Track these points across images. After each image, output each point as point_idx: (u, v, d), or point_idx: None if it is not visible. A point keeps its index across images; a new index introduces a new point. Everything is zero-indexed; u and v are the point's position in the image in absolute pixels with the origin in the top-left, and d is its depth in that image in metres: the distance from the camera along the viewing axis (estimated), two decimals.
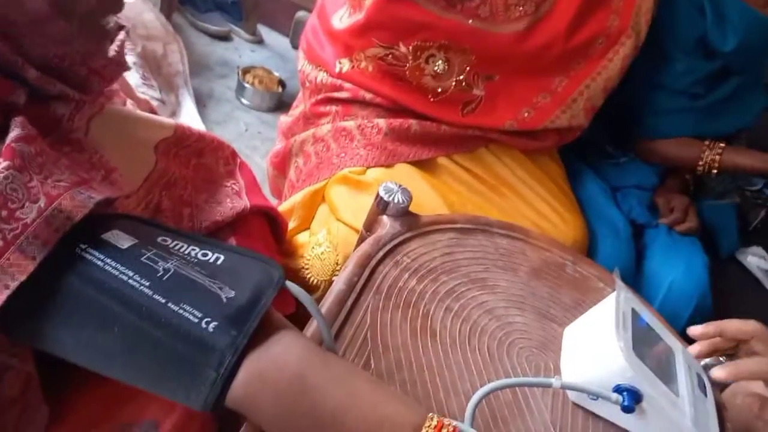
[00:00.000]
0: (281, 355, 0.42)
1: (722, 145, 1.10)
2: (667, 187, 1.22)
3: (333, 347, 0.48)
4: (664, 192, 1.20)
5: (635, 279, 1.07)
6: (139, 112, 0.73)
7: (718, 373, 0.61)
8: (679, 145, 1.13)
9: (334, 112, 0.96)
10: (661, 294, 1.05)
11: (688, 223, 1.15)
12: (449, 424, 0.42)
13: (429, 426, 0.42)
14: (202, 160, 0.79)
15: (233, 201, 0.74)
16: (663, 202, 1.18)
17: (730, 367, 0.61)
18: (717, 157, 1.09)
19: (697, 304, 1.06)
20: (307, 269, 0.88)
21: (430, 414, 0.43)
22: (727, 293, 1.23)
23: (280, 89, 1.94)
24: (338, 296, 0.59)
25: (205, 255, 0.45)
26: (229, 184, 0.79)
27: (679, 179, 1.22)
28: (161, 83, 1.66)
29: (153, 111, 0.90)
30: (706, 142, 1.10)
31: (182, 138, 0.72)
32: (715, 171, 1.10)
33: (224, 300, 0.42)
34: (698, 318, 1.07)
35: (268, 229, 0.83)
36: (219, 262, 0.45)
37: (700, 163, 1.10)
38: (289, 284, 0.46)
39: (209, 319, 0.41)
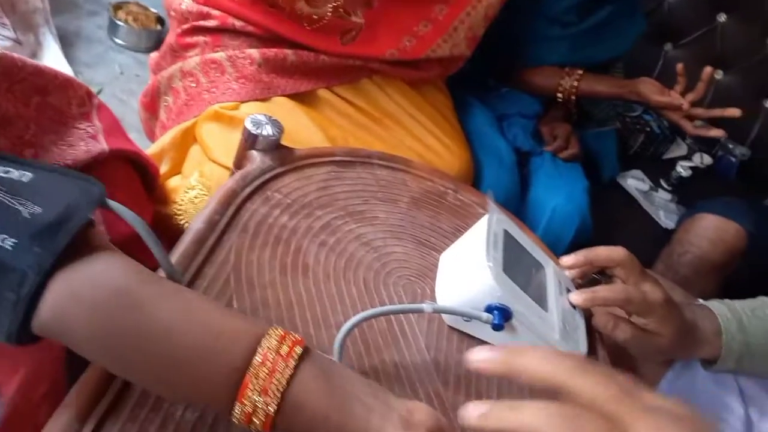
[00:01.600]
0: (100, 273, 0.38)
1: (580, 72, 1.14)
2: (551, 116, 1.24)
3: (174, 273, 0.44)
4: (548, 121, 1.23)
5: (520, 206, 1.10)
6: None
7: (575, 298, 0.63)
8: (543, 75, 1.16)
9: (203, 43, 0.88)
10: (545, 219, 1.08)
11: (571, 149, 1.18)
12: (295, 335, 0.40)
13: (271, 335, 0.39)
14: (48, 98, 0.70)
15: (88, 144, 0.67)
16: (547, 131, 1.21)
17: (586, 294, 0.63)
18: (575, 83, 1.13)
19: (579, 227, 1.10)
20: (180, 215, 0.82)
21: (275, 325, 0.40)
22: (608, 215, 1.30)
23: (158, 27, 1.78)
24: (196, 235, 0.55)
25: (6, 172, 0.40)
26: (83, 127, 0.71)
27: (562, 108, 1.25)
28: (16, 21, 1.48)
29: None
30: (566, 70, 1.13)
31: (10, 70, 0.63)
32: (574, 97, 1.14)
33: (27, 216, 0.37)
34: (580, 239, 1.12)
35: (135, 176, 0.76)
36: (25, 179, 0.40)
37: (560, 89, 1.14)
38: (111, 203, 0.42)
39: (5, 236, 0.36)
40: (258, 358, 0.38)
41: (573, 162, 1.20)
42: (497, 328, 0.56)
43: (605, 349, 0.68)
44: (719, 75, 1.58)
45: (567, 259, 0.66)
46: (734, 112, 1.06)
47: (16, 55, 0.66)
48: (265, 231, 0.60)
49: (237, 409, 0.38)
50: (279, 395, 0.37)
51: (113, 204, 0.42)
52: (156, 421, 0.42)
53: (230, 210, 0.60)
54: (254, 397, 0.37)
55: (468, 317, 0.58)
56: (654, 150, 1.55)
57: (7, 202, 0.37)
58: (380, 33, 0.91)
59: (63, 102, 0.72)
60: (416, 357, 0.56)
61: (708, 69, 1.07)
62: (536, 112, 1.21)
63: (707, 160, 1.56)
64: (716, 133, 1.07)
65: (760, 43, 1.52)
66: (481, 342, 0.61)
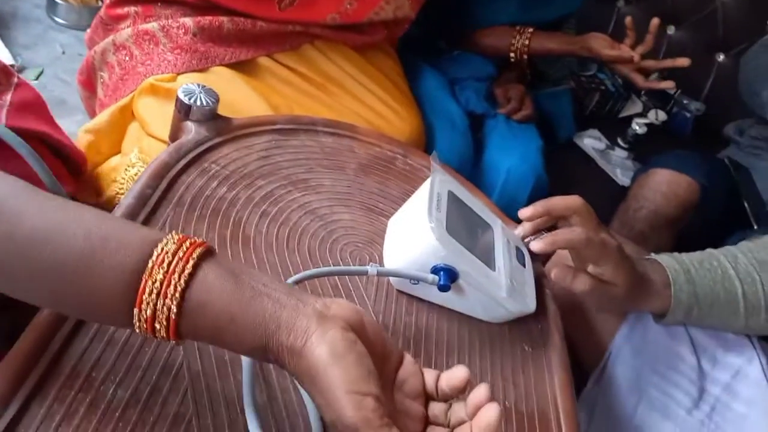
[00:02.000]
0: None
1: (531, 30, 1.14)
2: (505, 78, 1.23)
3: (61, 192, 0.42)
4: (502, 82, 1.22)
5: (475, 169, 1.10)
6: None
7: (536, 245, 0.63)
8: (494, 35, 1.15)
9: (134, 14, 0.84)
10: (500, 181, 1.08)
11: (524, 110, 1.18)
12: (197, 239, 0.37)
13: (169, 240, 0.36)
14: None
15: None
16: (501, 93, 1.20)
17: (546, 238, 0.63)
18: (527, 42, 1.13)
19: (534, 187, 1.10)
20: (122, 194, 0.79)
21: (174, 231, 0.38)
22: (565, 176, 1.30)
23: (99, 3, 1.71)
24: (126, 210, 0.53)
25: None
26: None
27: (516, 69, 1.25)
28: None
29: None
30: (517, 29, 1.13)
31: None
32: (526, 56, 1.14)
33: None
34: (536, 198, 1.12)
35: (48, 155, 0.72)
36: None
37: (512, 48, 1.13)
38: None
39: None
40: (153, 260, 0.35)
41: (527, 123, 1.20)
42: (443, 288, 0.56)
43: (555, 303, 0.68)
44: (671, 30, 1.59)
45: (525, 211, 0.66)
46: (683, 61, 1.07)
47: None
48: (201, 203, 0.59)
49: (136, 316, 0.35)
50: (179, 296, 0.35)
51: None
52: (85, 401, 0.40)
53: (163, 183, 0.58)
54: (152, 299, 0.35)
55: (414, 279, 0.57)
56: (609, 108, 1.56)
57: None
58: None
59: None
60: (357, 305, 0.56)
61: (655, 20, 1.08)
62: (489, 75, 1.20)
63: (662, 116, 1.57)
64: (666, 84, 1.09)
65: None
66: (431, 304, 0.61)
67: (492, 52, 1.19)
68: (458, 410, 0.40)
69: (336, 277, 0.58)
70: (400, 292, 0.61)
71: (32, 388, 0.39)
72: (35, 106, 0.70)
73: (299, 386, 0.47)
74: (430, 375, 0.41)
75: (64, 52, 1.58)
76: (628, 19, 1.09)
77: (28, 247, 0.35)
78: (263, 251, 0.57)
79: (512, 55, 1.15)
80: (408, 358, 0.41)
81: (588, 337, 0.78)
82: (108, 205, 0.80)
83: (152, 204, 0.55)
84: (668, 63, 1.08)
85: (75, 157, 0.74)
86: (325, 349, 0.34)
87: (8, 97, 0.67)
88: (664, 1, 1.56)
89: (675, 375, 0.74)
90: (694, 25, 1.57)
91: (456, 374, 0.39)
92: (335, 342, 0.35)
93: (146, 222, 0.53)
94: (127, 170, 0.79)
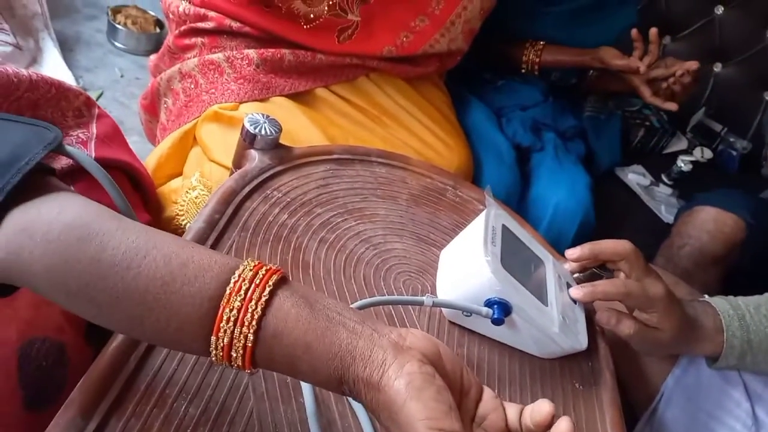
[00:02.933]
0: (55, 208, 0.36)
1: (542, 43, 1.17)
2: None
3: (132, 215, 0.44)
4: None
5: (522, 203, 1.10)
6: None
7: (575, 292, 0.63)
8: (509, 46, 1.18)
9: (200, 45, 0.89)
10: (548, 215, 1.08)
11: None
12: (272, 266, 0.38)
13: (246, 266, 0.37)
14: (39, 112, 0.70)
15: None
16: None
17: (586, 288, 0.63)
18: (539, 53, 1.17)
19: (582, 221, 1.11)
20: (182, 215, 0.83)
21: (250, 258, 0.38)
22: (610, 210, 1.30)
23: (157, 30, 1.79)
24: (196, 234, 0.55)
25: None
26: (75, 134, 0.71)
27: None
28: (15, 26, 1.49)
29: None
30: (529, 41, 1.17)
31: (6, 89, 0.63)
32: (537, 68, 1.18)
33: None
34: (583, 235, 1.12)
35: (126, 184, 0.76)
36: None
37: (524, 59, 1.17)
38: (69, 147, 0.41)
39: None
40: (231, 287, 0.35)
41: (574, 156, 1.20)
42: (497, 322, 0.57)
43: (605, 341, 0.68)
44: (718, 68, 1.58)
45: (572, 252, 0.66)
46: (692, 64, 1.09)
47: (11, 69, 0.65)
48: (264, 229, 0.61)
49: (213, 344, 0.35)
50: (255, 324, 0.35)
51: (71, 149, 0.41)
52: (160, 417, 0.42)
53: (230, 209, 0.60)
54: (230, 327, 0.35)
55: (468, 312, 0.58)
56: (654, 144, 1.55)
57: None
58: (377, 30, 0.91)
59: (56, 114, 0.72)
60: (433, 337, 0.57)
61: (653, 30, 1.11)
62: (535, 102, 1.21)
63: (708, 154, 1.55)
64: (670, 106, 1.11)
65: (759, 34, 1.52)
66: (482, 337, 0.61)
67: (507, 63, 1.23)
68: None
69: (391, 306, 0.60)
70: (452, 323, 0.62)
71: (111, 403, 0.42)
72: (115, 135, 0.74)
73: (357, 413, 0.48)
74: (512, 410, 0.38)
75: (122, 76, 1.66)
76: (634, 32, 1.12)
77: (111, 272, 0.35)
78: (322, 278, 0.59)
79: (523, 67, 1.19)
80: (488, 393, 0.39)
81: (639, 377, 0.77)
82: (168, 226, 0.84)
83: (220, 228, 0.58)
84: (677, 67, 1.10)
85: (147, 185, 0.77)
86: (403, 383, 0.33)
87: (93, 129, 0.70)
88: (712, 38, 1.55)
89: (730, 419, 0.72)
90: (742, 62, 1.56)
91: (540, 409, 0.37)
92: (413, 375, 0.33)
93: (215, 245, 0.56)
94: (188, 193, 0.82)
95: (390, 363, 0.34)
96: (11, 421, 0.48)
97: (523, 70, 1.19)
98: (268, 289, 0.36)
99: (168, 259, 0.36)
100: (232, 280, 0.36)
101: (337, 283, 0.60)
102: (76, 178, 0.64)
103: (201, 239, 0.55)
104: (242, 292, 0.35)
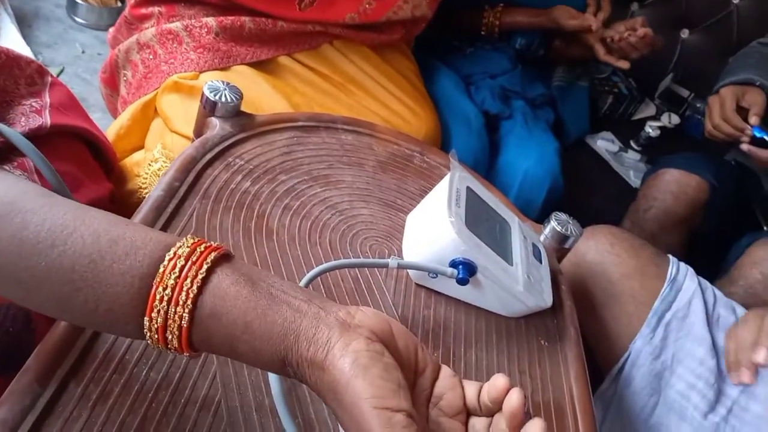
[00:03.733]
0: None
1: (500, 7, 1.19)
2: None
3: (66, 193, 0.42)
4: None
5: (491, 170, 1.11)
6: None
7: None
8: (470, 10, 1.19)
9: (157, 14, 0.86)
10: (517, 182, 1.09)
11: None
12: (212, 243, 0.35)
13: (183, 243, 0.34)
14: None
15: (29, 119, 0.65)
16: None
17: None
18: (498, 14, 1.19)
19: (550, 187, 1.11)
20: (144, 188, 0.81)
21: (190, 235, 0.36)
22: (579, 176, 1.31)
23: (118, 3, 1.74)
24: (156, 202, 0.54)
25: None
26: (27, 103, 0.69)
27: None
28: None
29: None
30: (486, 7, 1.18)
31: None
32: (497, 30, 1.19)
33: None
34: (552, 200, 1.13)
35: (86, 152, 0.74)
36: None
37: (484, 22, 1.19)
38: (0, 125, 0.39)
39: None
40: (165, 264, 0.33)
41: (543, 123, 1.21)
42: (462, 282, 0.57)
43: (570, 299, 0.69)
44: (685, 34, 1.59)
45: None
46: (643, 27, 1.10)
47: None
48: (227, 196, 0.60)
49: (146, 326, 0.33)
50: (191, 303, 0.33)
51: (1, 126, 0.39)
52: (120, 382, 0.42)
53: (190, 176, 0.59)
54: (163, 307, 0.33)
55: (433, 273, 0.58)
56: (623, 111, 1.57)
57: None
58: None
59: (8, 82, 0.70)
60: (385, 314, 0.57)
61: None
62: (504, 70, 1.21)
63: (675, 119, 1.58)
64: (622, 64, 1.12)
65: (724, 0, 1.53)
66: (449, 298, 0.62)
67: (468, 31, 1.23)
68: (499, 423, 0.35)
69: (356, 270, 0.60)
70: (418, 285, 0.62)
71: (69, 370, 0.41)
72: (70, 103, 0.72)
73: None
74: (471, 388, 0.36)
75: (83, 51, 1.61)
76: None
77: (33, 250, 0.33)
78: (286, 244, 0.59)
79: (483, 29, 1.20)
80: (446, 371, 0.37)
81: (605, 337, 0.78)
82: (130, 198, 0.82)
83: (180, 196, 0.57)
84: (630, 24, 1.12)
85: (109, 154, 0.76)
86: (348, 361, 0.31)
87: (47, 97, 0.68)
88: (679, 4, 1.56)
89: (692, 377, 0.74)
90: (708, 28, 1.57)
91: (495, 384, 0.35)
92: (359, 353, 0.32)
93: (174, 212, 0.55)
94: (151, 165, 0.81)
95: (335, 341, 0.32)
96: None
97: (483, 32, 1.20)
98: (205, 267, 0.33)
99: (96, 236, 0.33)
100: (167, 257, 0.34)
101: (302, 248, 0.59)
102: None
103: (160, 207, 0.54)
104: (177, 269, 0.33)
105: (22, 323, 0.50)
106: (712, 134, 1.09)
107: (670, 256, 0.80)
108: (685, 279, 0.74)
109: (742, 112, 1.08)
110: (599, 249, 0.78)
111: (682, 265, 0.78)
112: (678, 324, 0.72)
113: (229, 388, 0.45)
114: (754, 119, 1.04)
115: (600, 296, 0.76)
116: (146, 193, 0.82)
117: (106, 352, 0.43)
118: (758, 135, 1.04)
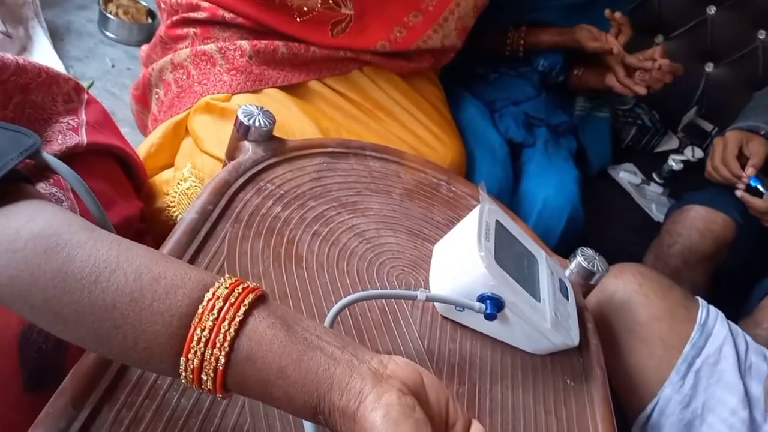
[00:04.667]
0: (23, 218, 0.35)
1: (524, 28, 1.19)
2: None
3: (108, 225, 0.42)
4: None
5: (513, 198, 1.10)
6: None
7: None
8: (494, 31, 1.20)
9: (192, 35, 0.88)
10: (536, 210, 1.09)
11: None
12: (250, 283, 0.36)
13: (222, 283, 0.35)
14: (29, 97, 0.69)
15: (66, 137, 0.66)
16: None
17: None
18: (522, 34, 1.19)
19: (570, 217, 1.11)
20: (173, 207, 0.82)
21: (228, 275, 0.36)
22: (600, 208, 1.31)
23: (149, 20, 1.77)
24: (189, 225, 0.55)
25: None
26: (65, 120, 0.71)
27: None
28: (4, 14, 1.46)
29: None
30: (510, 28, 1.19)
31: None
32: (521, 50, 1.20)
33: None
34: (572, 230, 1.12)
35: (119, 170, 0.75)
36: None
37: (508, 42, 1.19)
38: (46, 155, 0.40)
39: None
40: (204, 305, 0.33)
41: (564, 152, 1.20)
42: (489, 317, 0.57)
43: (597, 338, 0.68)
44: (709, 68, 1.59)
45: None
46: (663, 58, 1.09)
47: None
48: (258, 221, 0.61)
49: (182, 365, 0.33)
50: (228, 346, 0.33)
51: (47, 156, 0.40)
52: (151, 408, 0.42)
53: (223, 200, 0.60)
54: (200, 348, 0.33)
55: (461, 306, 0.58)
56: (645, 143, 1.56)
57: None
58: (370, 24, 0.91)
59: (46, 99, 0.72)
60: (410, 346, 0.57)
61: (618, 13, 1.12)
62: (528, 97, 1.22)
63: (699, 153, 1.56)
64: (639, 89, 1.11)
65: (750, 34, 1.53)
66: (474, 332, 0.61)
67: (492, 51, 1.24)
68: None
69: (383, 300, 0.59)
70: (444, 318, 0.62)
71: (103, 393, 0.41)
72: (105, 120, 0.73)
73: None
74: None
75: (113, 66, 1.64)
76: (607, 12, 1.13)
77: (78, 285, 0.33)
78: (315, 271, 0.59)
79: (507, 50, 1.20)
80: (476, 427, 0.36)
81: (630, 380, 0.76)
82: (158, 217, 0.83)
83: (212, 220, 0.57)
84: (649, 54, 1.11)
85: (140, 172, 0.77)
86: (380, 415, 0.31)
87: (83, 115, 0.70)
88: (704, 37, 1.56)
89: (724, 428, 0.72)
90: (733, 62, 1.57)
91: None
92: (391, 407, 0.31)
93: (207, 236, 0.55)
94: (180, 184, 0.82)
95: (368, 393, 0.32)
96: (12, 402, 0.48)
97: (507, 52, 1.21)
98: (243, 309, 0.34)
99: (139, 273, 0.34)
100: (206, 298, 0.34)
101: (331, 276, 0.59)
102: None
103: (194, 230, 0.55)
104: (215, 311, 0.33)
105: (54, 341, 0.50)
106: (711, 175, 1.12)
107: (700, 299, 0.79)
108: (716, 324, 0.73)
109: (744, 158, 1.09)
110: (627, 288, 0.77)
111: (712, 308, 0.77)
112: (709, 370, 0.71)
113: (257, 418, 0.45)
114: (750, 170, 1.07)
115: (626, 337, 0.75)
116: (174, 212, 0.83)
117: (139, 377, 0.43)
118: (753, 184, 1.08)
